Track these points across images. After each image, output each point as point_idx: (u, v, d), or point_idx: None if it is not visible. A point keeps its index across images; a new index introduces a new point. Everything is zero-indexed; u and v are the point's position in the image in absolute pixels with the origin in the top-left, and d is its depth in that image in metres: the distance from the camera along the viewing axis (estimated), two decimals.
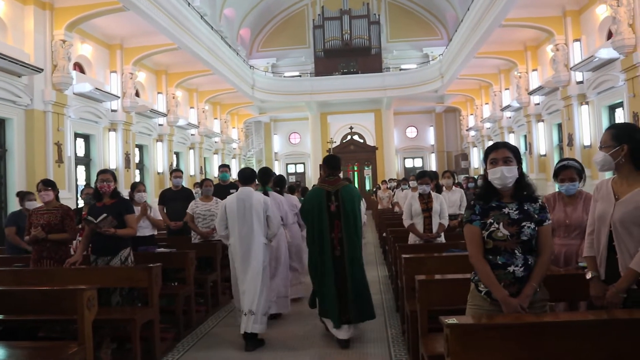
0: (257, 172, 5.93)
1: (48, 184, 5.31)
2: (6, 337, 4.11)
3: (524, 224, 2.72)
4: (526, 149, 17.32)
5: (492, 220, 2.75)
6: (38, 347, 3.87)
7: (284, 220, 6.28)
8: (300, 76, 26.97)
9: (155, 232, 6.33)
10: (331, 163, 5.18)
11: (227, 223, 5.12)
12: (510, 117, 18.73)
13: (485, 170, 2.88)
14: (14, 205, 10.03)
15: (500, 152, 2.80)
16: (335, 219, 4.96)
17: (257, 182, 5.74)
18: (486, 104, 21.53)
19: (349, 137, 27.48)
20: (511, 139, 18.66)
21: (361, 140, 27.58)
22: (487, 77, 19.63)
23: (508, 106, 17.93)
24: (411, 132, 28.94)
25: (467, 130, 24.91)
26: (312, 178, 25.97)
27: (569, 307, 3.83)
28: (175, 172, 8.27)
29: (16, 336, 4.17)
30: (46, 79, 10.77)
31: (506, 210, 2.76)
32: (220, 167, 9.05)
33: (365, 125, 27.46)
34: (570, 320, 2.66)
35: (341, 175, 5.34)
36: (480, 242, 2.77)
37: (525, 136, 17.45)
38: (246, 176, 5.32)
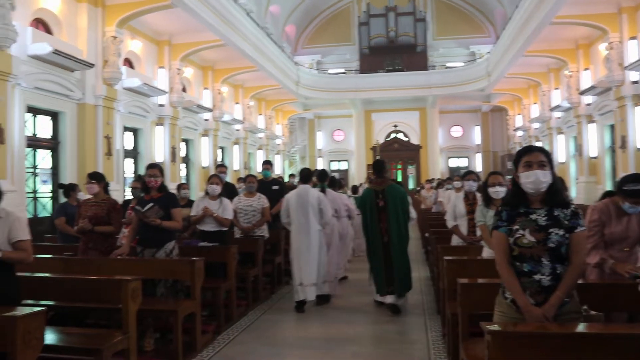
0: (314, 172, 7.23)
1: (93, 177, 5.47)
2: (57, 323, 4.26)
3: (551, 230, 2.61)
4: (576, 151, 16.77)
5: (518, 227, 2.67)
6: (85, 333, 4.00)
7: (338, 213, 7.49)
8: (344, 73, 26.89)
9: (224, 229, 6.30)
10: (377, 167, 6.46)
11: (289, 213, 6.49)
12: (559, 118, 18.17)
13: (515, 174, 2.79)
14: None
15: (535, 156, 2.69)
16: (382, 213, 6.19)
17: (313, 181, 6.97)
18: (534, 103, 20.95)
19: (393, 135, 27.27)
20: (560, 140, 18.11)
21: (405, 139, 27.30)
22: (535, 76, 19.07)
23: (557, 106, 17.39)
24: (456, 131, 28.48)
25: (514, 130, 24.32)
26: (356, 175, 25.88)
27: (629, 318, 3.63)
28: (220, 167, 8.38)
29: (66, 322, 4.32)
30: (97, 74, 11.10)
31: (534, 216, 2.67)
32: (263, 163, 9.12)
33: (409, 124, 27.17)
34: (616, 333, 2.55)
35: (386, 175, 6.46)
36: (506, 249, 2.70)
37: (575, 137, 16.89)
38: (305, 175, 6.78)
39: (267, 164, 8.97)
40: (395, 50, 26.70)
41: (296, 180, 12.84)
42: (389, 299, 6.18)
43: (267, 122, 23.38)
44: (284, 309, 6.58)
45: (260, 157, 22.16)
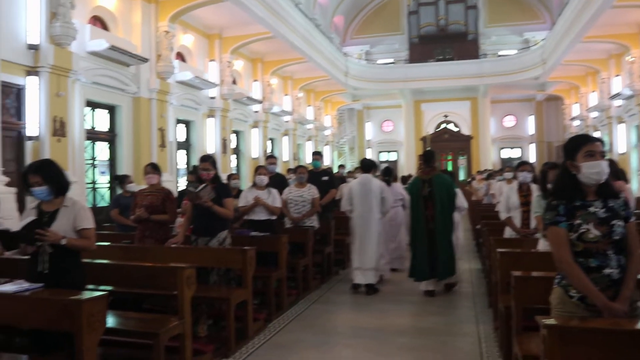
0: (375, 163, 7.90)
1: (155, 168, 5.65)
2: (116, 307, 4.43)
3: (613, 222, 2.51)
4: (638, 141, 16.04)
5: (580, 221, 2.54)
6: (143, 318, 4.16)
7: (394, 203, 7.93)
8: (393, 63, 26.61)
9: (273, 217, 6.41)
10: (426, 157, 6.81)
11: (351, 201, 6.85)
12: (620, 106, 17.37)
13: (569, 164, 2.64)
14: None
15: (597, 146, 2.58)
16: (428, 201, 6.49)
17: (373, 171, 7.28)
18: (593, 91, 20.12)
19: (443, 125, 26.83)
20: (620, 130, 17.33)
21: (456, 129, 26.81)
22: (594, 63, 18.30)
23: (618, 94, 16.61)
24: (509, 121, 27.72)
25: (570, 119, 23.47)
26: (405, 166, 25.62)
27: None
28: (270, 158, 8.47)
29: (123, 307, 4.48)
30: (151, 69, 11.41)
31: (592, 209, 2.55)
32: (313, 154, 9.17)
33: (460, 114, 26.65)
34: None
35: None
36: (568, 245, 2.57)
37: (638, 126, 16.15)
38: (366, 166, 7.18)
39: (317, 154, 9.01)
40: (446, 39, 26.18)
41: (345, 171, 12.88)
42: (428, 285, 6.54)
43: (316, 114, 23.44)
44: (334, 299, 6.62)
45: (309, 148, 22.28)
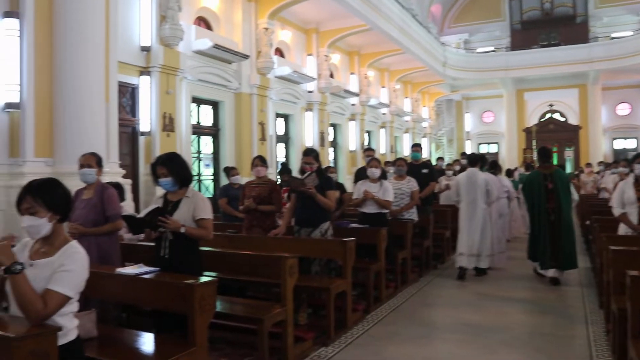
0: (481, 157, 8.32)
1: (263, 161, 5.87)
2: (221, 293, 4.64)
3: None
4: None
5: None
6: (248, 304, 4.33)
7: (501, 195, 8.39)
8: (494, 51, 25.58)
9: (385, 211, 6.41)
10: (544, 153, 7.21)
11: (458, 192, 7.39)
12: None
13: None
14: (226, 177, 11.28)
15: None
16: (550, 194, 6.80)
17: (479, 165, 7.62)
18: None
19: (548, 115, 25.45)
20: None
21: (562, 119, 25.33)
22: None
23: None
24: (623, 109, 25.61)
25: None
26: (507, 159, 24.59)
27: None
28: (368, 151, 8.47)
29: (229, 293, 4.69)
30: (252, 65, 11.81)
31: None
32: (412, 146, 9.06)
33: (567, 102, 25.12)
34: None
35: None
36: None
37: None
38: (473, 160, 7.60)
39: (417, 146, 8.89)
40: (551, 23, 24.75)
41: (445, 163, 12.62)
42: (552, 272, 6.76)
43: (414, 105, 23.12)
44: (432, 293, 6.53)
45: (406, 140, 22.05)
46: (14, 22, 6.62)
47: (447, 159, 20.55)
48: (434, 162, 12.86)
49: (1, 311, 2.44)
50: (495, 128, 27.53)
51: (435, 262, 8.25)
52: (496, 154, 26.95)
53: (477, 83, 24.81)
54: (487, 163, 8.69)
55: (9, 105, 6.64)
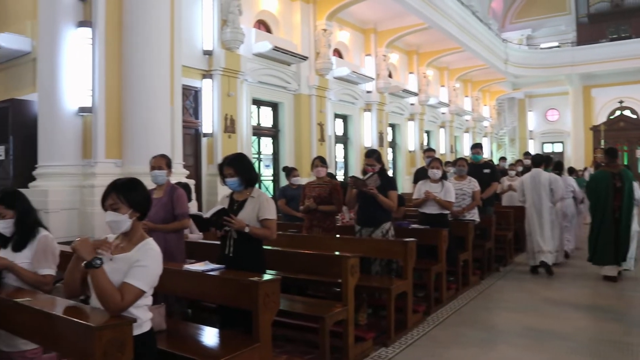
0: (546, 158, 8.50)
1: (323, 161, 5.92)
2: (282, 291, 4.72)
3: None
4: None
5: None
6: (309, 302, 4.38)
7: (566, 194, 8.53)
8: (559, 47, 24.63)
9: (446, 212, 6.33)
10: (612, 153, 7.33)
11: (524, 192, 7.70)
12: None
13: None
14: (285, 178, 11.43)
15: None
16: (617, 193, 6.99)
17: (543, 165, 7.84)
18: None
19: (617, 112, 24.29)
20: None
21: (633, 116, 24.10)
22: None
23: None
24: None
25: None
26: (572, 158, 23.64)
27: None
28: (428, 151, 8.38)
29: (290, 291, 4.76)
30: (310, 66, 11.92)
31: None
32: (472, 147, 8.89)
33: (638, 98, 23.88)
34: None
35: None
36: None
37: None
38: (536, 160, 7.89)
39: (477, 147, 8.70)
40: (622, 15, 23.57)
41: (507, 163, 12.30)
42: (610, 270, 6.98)
43: (474, 104, 22.65)
44: (495, 296, 6.38)
45: (466, 140, 21.63)
46: (87, 31, 7.00)
47: (509, 159, 19.99)
48: (495, 162, 12.58)
49: (82, 302, 2.60)
50: (559, 127, 26.54)
51: (497, 264, 8.06)
52: (561, 154, 25.97)
53: (541, 80, 23.99)
54: (552, 163, 8.64)
55: (82, 110, 7.01)
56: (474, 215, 7.13)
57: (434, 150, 8.78)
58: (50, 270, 3.11)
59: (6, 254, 3.11)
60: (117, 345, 2.11)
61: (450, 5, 15.55)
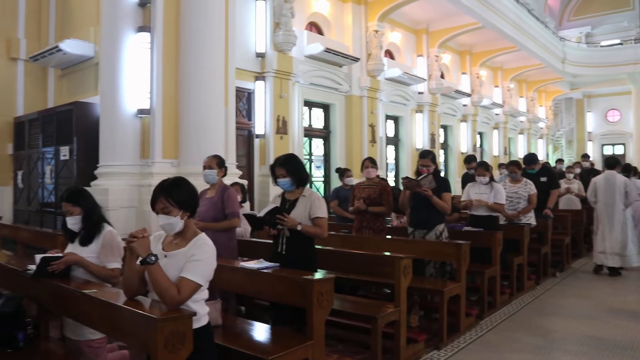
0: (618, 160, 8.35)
1: (374, 162, 5.92)
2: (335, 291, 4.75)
3: None
4: None
5: None
6: (360, 302, 4.40)
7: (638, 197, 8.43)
8: (621, 44, 23.63)
9: (495, 214, 6.27)
10: None
11: (595, 193, 7.78)
12: None
13: None
14: (336, 179, 11.45)
15: None
16: None
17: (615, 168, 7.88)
18: None
19: None
20: None
21: None
22: None
23: None
24: None
25: None
26: (635, 161, 22.62)
27: None
28: (469, 162, 8.29)
29: (341, 291, 4.78)
30: (362, 67, 11.92)
31: None
32: (525, 160, 8.03)
33: None
34: None
35: None
36: None
37: None
38: (611, 163, 7.92)
39: (532, 162, 7.86)
40: None
41: (564, 166, 11.90)
42: None
43: (529, 105, 22.05)
44: (550, 302, 6.20)
45: (521, 142, 21.10)
46: (146, 36, 7.25)
47: (567, 162, 19.36)
48: (552, 164, 12.19)
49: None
50: (621, 128, 25.50)
51: (554, 269, 7.83)
52: (622, 156, 24.93)
53: (601, 79, 23.09)
54: (620, 166, 8.56)
55: (141, 112, 7.26)
56: (530, 219, 6.95)
57: (475, 160, 8.58)
58: (116, 264, 3.26)
59: (74, 248, 3.28)
60: (178, 337, 2.19)
61: (505, 3, 15.20)
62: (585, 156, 12.47)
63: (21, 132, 9.26)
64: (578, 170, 10.92)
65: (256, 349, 3.02)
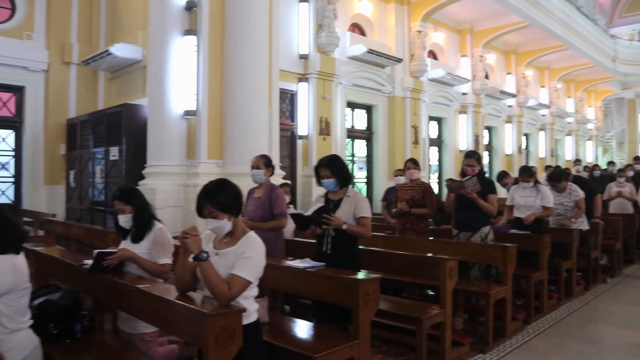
0: None
1: (416, 163, 5.88)
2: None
3: None
4: None
5: None
6: (405, 303, 4.38)
7: None
8: None
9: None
10: None
11: None
12: None
13: None
14: (379, 180, 11.44)
15: None
16: None
17: None
18: None
19: None
20: None
21: None
22: None
23: None
24: None
25: None
26: None
27: None
28: (504, 179, 8.18)
29: (384, 292, 4.76)
30: (405, 68, 11.85)
31: None
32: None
33: None
34: None
35: None
36: None
37: None
38: None
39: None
40: None
41: (615, 168, 11.51)
42: None
43: (577, 105, 21.44)
44: (601, 308, 6.00)
45: (568, 143, 20.53)
46: (192, 39, 7.41)
47: (618, 164, 18.72)
48: (603, 167, 11.79)
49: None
50: None
51: (604, 275, 7.59)
52: None
53: None
54: None
55: (187, 113, 7.42)
56: (581, 224, 6.75)
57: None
58: (167, 260, 3.37)
59: (126, 245, 3.40)
60: (228, 332, 2.25)
61: (553, 1, 14.82)
62: (638, 158, 12.01)
63: (73, 133, 9.60)
64: (631, 173, 10.55)
65: (303, 346, 3.06)
